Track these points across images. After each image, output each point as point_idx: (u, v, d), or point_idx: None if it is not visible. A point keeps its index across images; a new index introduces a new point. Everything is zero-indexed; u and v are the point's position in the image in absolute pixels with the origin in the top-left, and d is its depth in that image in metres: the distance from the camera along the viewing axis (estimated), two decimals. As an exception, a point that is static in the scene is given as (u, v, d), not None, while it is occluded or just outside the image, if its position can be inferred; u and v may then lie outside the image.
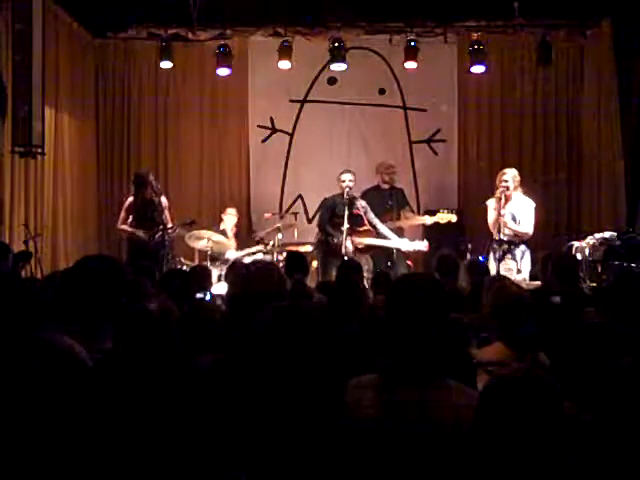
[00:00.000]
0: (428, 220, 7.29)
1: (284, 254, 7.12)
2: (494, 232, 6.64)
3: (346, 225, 6.71)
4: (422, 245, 6.97)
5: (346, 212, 6.75)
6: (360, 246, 6.94)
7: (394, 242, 7.00)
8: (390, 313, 2.08)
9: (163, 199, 7.18)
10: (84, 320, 2.20)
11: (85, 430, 1.73)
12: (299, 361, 1.94)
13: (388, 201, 7.55)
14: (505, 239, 6.50)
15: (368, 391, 2.01)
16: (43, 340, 1.75)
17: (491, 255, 6.62)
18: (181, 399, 2.00)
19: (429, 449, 1.87)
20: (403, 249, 7.05)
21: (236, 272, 3.86)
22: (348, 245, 6.80)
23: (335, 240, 6.86)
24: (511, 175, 6.63)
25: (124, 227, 7.20)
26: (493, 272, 6.17)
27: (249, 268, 3.00)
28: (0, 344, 1.78)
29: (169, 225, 7.09)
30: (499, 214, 6.47)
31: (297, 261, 5.24)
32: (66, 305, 2.28)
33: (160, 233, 6.93)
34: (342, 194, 6.99)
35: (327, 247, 6.99)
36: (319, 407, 1.87)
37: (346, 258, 6.49)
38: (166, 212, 7.14)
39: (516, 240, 6.54)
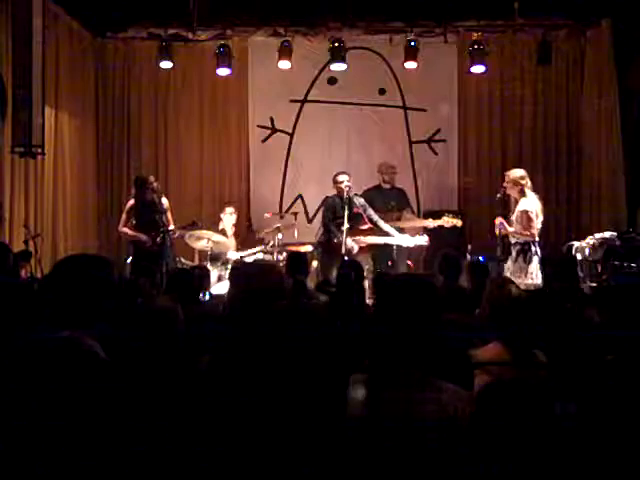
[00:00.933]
0: (431, 223, 7.23)
1: (284, 254, 7.14)
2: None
3: (346, 225, 6.72)
4: (423, 240, 6.97)
5: (346, 212, 6.76)
6: (363, 245, 6.95)
7: (396, 238, 7.03)
8: (379, 313, 2.09)
9: (164, 200, 7.17)
10: (68, 320, 2.19)
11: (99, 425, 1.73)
12: (301, 360, 1.94)
13: (390, 201, 7.56)
14: (513, 241, 6.41)
15: (356, 389, 2.02)
16: (70, 340, 1.75)
17: (510, 257, 6.49)
18: (184, 397, 2.01)
19: (415, 447, 1.87)
20: (404, 245, 7.05)
21: (237, 271, 3.86)
22: (353, 245, 6.83)
23: (338, 239, 6.88)
24: (510, 177, 6.51)
25: (125, 230, 7.20)
26: (507, 273, 6.15)
27: (250, 267, 3.01)
28: (25, 344, 1.78)
29: (171, 227, 7.09)
30: (496, 220, 6.42)
31: (298, 261, 5.25)
32: (51, 306, 2.28)
33: (161, 235, 6.93)
34: (339, 195, 7.01)
35: (329, 247, 6.99)
36: (322, 404, 1.87)
37: (346, 258, 6.49)
38: (167, 213, 7.14)
39: (521, 241, 6.42)
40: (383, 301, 2.12)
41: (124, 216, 7.23)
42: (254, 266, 3.15)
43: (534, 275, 6.24)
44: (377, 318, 2.08)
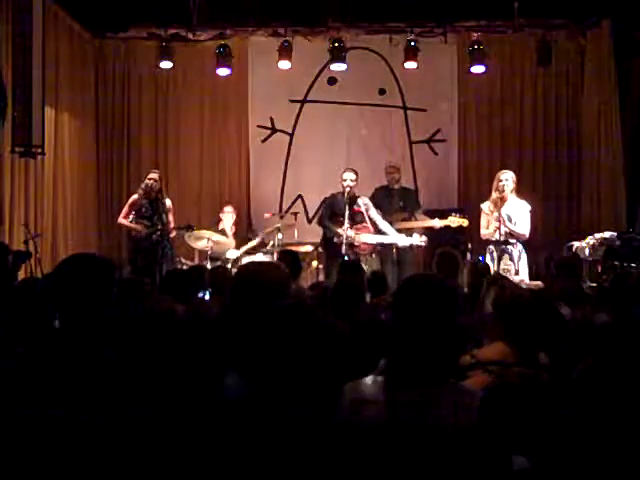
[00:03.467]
0: (437, 223, 7.24)
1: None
2: (490, 234, 6.62)
3: (347, 225, 6.72)
4: (420, 240, 6.95)
5: (347, 212, 6.76)
6: (357, 243, 6.93)
7: (392, 238, 7.01)
8: (397, 313, 2.06)
9: (168, 201, 7.17)
10: (71, 320, 2.19)
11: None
12: (298, 361, 1.94)
13: (398, 202, 7.55)
14: (502, 240, 6.48)
15: (372, 392, 2.01)
16: None
17: (488, 256, 6.62)
18: (182, 398, 2.01)
19: (428, 449, 1.86)
20: (400, 244, 7.03)
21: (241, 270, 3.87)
22: (354, 236, 6.81)
23: (332, 235, 6.88)
24: (509, 176, 6.63)
25: (124, 221, 7.18)
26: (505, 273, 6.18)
27: (254, 265, 3.01)
28: None
29: (171, 226, 7.09)
30: (499, 214, 6.47)
31: (289, 260, 5.22)
32: (54, 305, 2.27)
33: (159, 233, 6.93)
34: (342, 192, 7.00)
35: (330, 245, 6.99)
36: (315, 406, 1.87)
37: (346, 258, 6.49)
38: (169, 215, 7.13)
39: (512, 240, 6.53)
40: (401, 301, 2.08)
41: (126, 208, 7.22)
42: (258, 265, 3.14)
43: (524, 273, 6.37)
44: (395, 318, 2.05)
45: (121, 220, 7.23)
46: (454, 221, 7.14)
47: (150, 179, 7.07)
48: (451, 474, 1.83)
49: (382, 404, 1.95)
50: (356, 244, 6.86)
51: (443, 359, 1.99)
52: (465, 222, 7.18)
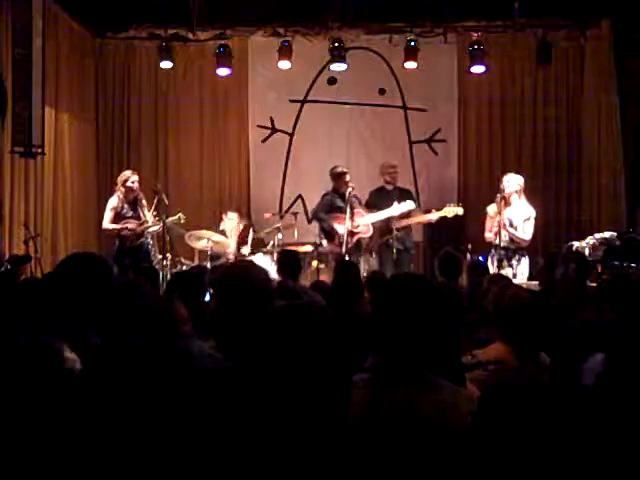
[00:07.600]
0: (434, 216, 7.31)
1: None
2: (490, 238, 6.61)
3: (348, 223, 6.75)
4: (408, 205, 7.18)
5: (348, 211, 6.80)
6: (356, 229, 7.05)
7: (386, 212, 7.19)
8: (377, 312, 2.08)
9: (141, 195, 7.20)
10: (70, 319, 2.18)
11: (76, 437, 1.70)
12: (307, 360, 1.94)
13: (395, 202, 7.58)
14: (503, 244, 6.47)
15: (357, 390, 2.01)
16: (34, 344, 1.71)
17: (489, 260, 6.61)
18: (184, 400, 2.00)
19: (412, 447, 1.87)
20: (396, 214, 7.18)
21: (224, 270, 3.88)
22: (324, 242, 6.90)
23: (327, 226, 7.08)
24: (512, 179, 6.59)
25: (112, 225, 7.10)
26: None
27: (232, 268, 3.02)
28: None
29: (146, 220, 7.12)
30: (500, 218, 6.45)
31: (288, 260, 5.22)
32: (53, 304, 2.26)
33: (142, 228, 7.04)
34: (339, 191, 7.04)
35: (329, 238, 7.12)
36: (328, 406, 1.86)
37: (347, 257, 6.51)
38: (144, 210, 7.15)
39: (512, 246, 6.50)
40: (380, 299, 2.11)
41: (111, 214, 7.12)
42: (241, 265, 3.14)
43: (524, 277, 6.37)
44: (376, 317, 2.07)
45: (108, 225, 7.14)
46: (449, 211, 7.21)
47: (126, 180, 7.08)
48: (435, 472, 1.84)
49: (367, 403, 1.95)
50: (356, 231, 6.93)
51: (428, 357, 2.00)
52: (460, 210, 7.25)
